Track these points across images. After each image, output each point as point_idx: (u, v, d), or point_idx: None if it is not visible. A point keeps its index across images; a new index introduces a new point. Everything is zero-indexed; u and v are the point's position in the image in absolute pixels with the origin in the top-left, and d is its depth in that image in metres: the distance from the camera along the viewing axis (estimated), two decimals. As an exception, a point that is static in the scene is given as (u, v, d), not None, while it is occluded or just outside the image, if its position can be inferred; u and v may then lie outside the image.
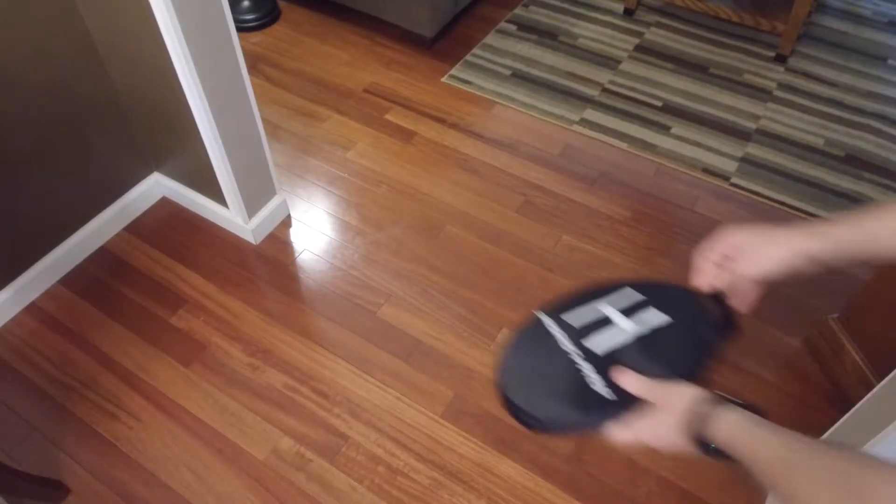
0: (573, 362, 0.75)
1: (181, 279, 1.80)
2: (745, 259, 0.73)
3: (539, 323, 0.80)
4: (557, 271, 1.82)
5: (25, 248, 1.70)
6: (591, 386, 0.72)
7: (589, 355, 0.75)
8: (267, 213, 1.88)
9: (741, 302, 0.78)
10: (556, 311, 0.81)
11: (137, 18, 1.37)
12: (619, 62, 2.45)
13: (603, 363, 0.73)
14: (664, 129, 2.21)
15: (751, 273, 0.73)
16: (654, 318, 0.77)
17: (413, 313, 1.73)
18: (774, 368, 1.63)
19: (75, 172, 1.71)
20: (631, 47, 2.52)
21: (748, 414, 0.63)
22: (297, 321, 1.72)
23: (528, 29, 2.60)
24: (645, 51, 2.51)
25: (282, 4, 2.71)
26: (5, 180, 1.55)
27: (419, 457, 1.48)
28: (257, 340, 1.67)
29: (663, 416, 0.67)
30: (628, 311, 0.78)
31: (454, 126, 2.23)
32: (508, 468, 1.46)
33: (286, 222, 1.96)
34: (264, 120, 1.73)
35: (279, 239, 1.91)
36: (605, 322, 0.77)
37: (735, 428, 0.62)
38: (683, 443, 0.66)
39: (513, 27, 2.60)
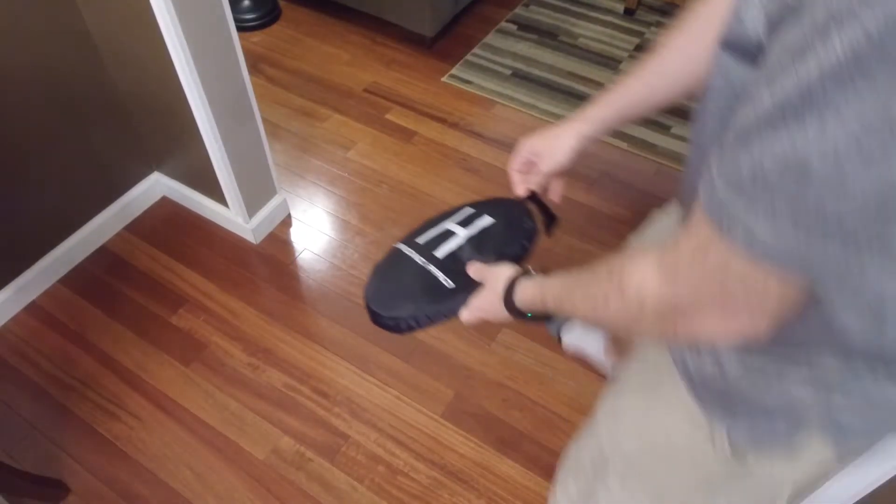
0: (421, 267, 0.90)
1: (181, 279, 1.80)
2: (542, 159, 0.89)
3: (397, 251, 0.95)
4: (558, 271, 1.81)
5: (26, 248, 1.70)
6: (439, 281, 0.88)
7: (434, 260, 0.90)
8: (267, 212, 1.88)
9: (554, 194, 0.95)
10: (409, 238, 0.96)
11: (138, 18, 1.37)
12: (619, 62, 2.45)
13: (445, 263, 0.89)
14: (664, 128, 2.21)
15: (551, 169, 0.89)
16: (483, 221, 0.95)
17: (413, 313, 1.73)
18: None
19: (75, 172, 1.71)
20: (631, 47, 2.52)
21: (541, 276, 0.76)
22: (298, 321, 1.72)
23: (529, 29, 2.60)
24: (645, 51, 2.51)
25: (282, 4, 2.71)
26: (5, 180, 1.55)
27: (419, 456, 1.48)
28: (257, 340, 1.67)
29: (489, 293, 0.81)
30: (464, 223, 0.95)
31: (454, 126, 2.23)
32: (508, 468, 1.46)
33: (286, 222, 1.96)
34: (264, 119, 1.73)
35: (279, 238, 1.91)
36: (447, 234, 0.94)
37: (531, 288, 0.75)
38: (502, 311, 0.79)
39: (513, 27, 2.60)
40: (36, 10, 1.42)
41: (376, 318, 0.93)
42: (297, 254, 1.88)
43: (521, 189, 0.94)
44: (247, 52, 1.55)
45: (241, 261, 1.85)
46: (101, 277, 1.80)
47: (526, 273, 0.79)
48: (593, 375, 1.61)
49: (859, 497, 1.12)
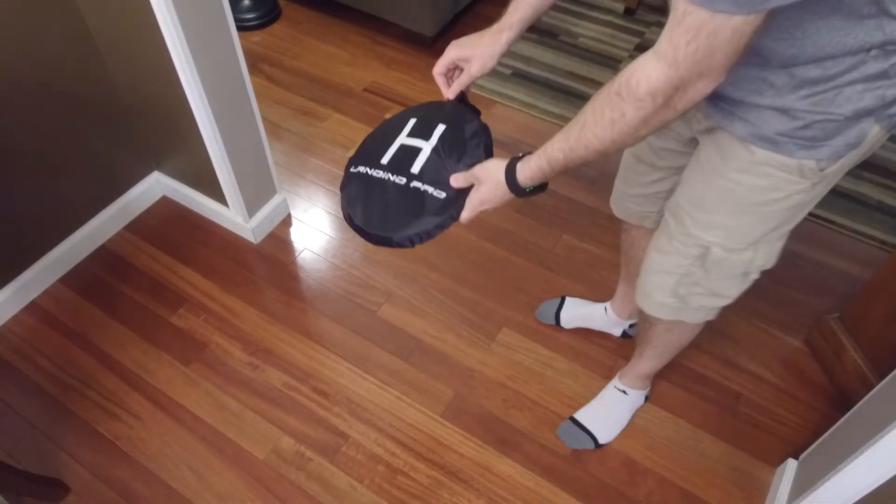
0: (405, 186, 0.97)
1: (181, 278, 1.80)
2: (471, 64, 1.01)
3: (364, 175, 1.01)
4: (558, 271, 1.82)
5: (26, 247, 1.70)
6: (430, 194, 0.96)
7: (414, 177, 0.97)
8: (267, 212, 1.88)
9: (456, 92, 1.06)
10: (368, 159, 1.03)
11: (138, 18, 1.37)
12: (619, 62, 2.45)
13: (426, 177, 0.97)
14: (665, 128, 2.21)
15: (479, 72, 1.02)
16: (438, 130, 1.01)
17: (413, 313, 1.73)
18: (775, 369, 1.63)
19: (75, 171, 1.71)
20: (632, 47, 2.52)
21: (534, 154, 0.88)
22: (298, 320, 1.72)
23: (529, 28, 2.59)
24: (646, 50, 2.51)
25: (282, 3, 2.71)
26: (5, 179, 1.55)
27: (419, 456, 1.48)
28: (257, 339, 1.67)
29: (489, 185, 0.92)
30: (420, 134, 1.02)
31: (455, 125, 2.22)
32: (508, 467, 1.46)
33: (286, 221, 1.96)
34: (264, 119, 1.72)
35: (279, 238, 1.91)
36: (413, 151, 1.00)
37: (533, 161, 0.88)
38: (506, 194, 0.91)
39: (513, 26, 2.59)
40: (36, 9, 1.42)
41: (381, 241, 0.99)
42: (297, 253, 1.88)
43: (449, 93, 1.05)
44: (247, 52, 1.55)
45: (241, 260, 1.85)
46: (102, 277, 1.80)
47: (517, 158, 0.91)
48: (593, 375, 1.61)
49: (859, 497, 1.12)
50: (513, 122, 2.22)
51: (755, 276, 1.04)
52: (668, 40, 0.69)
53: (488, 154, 0.99)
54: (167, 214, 1.96)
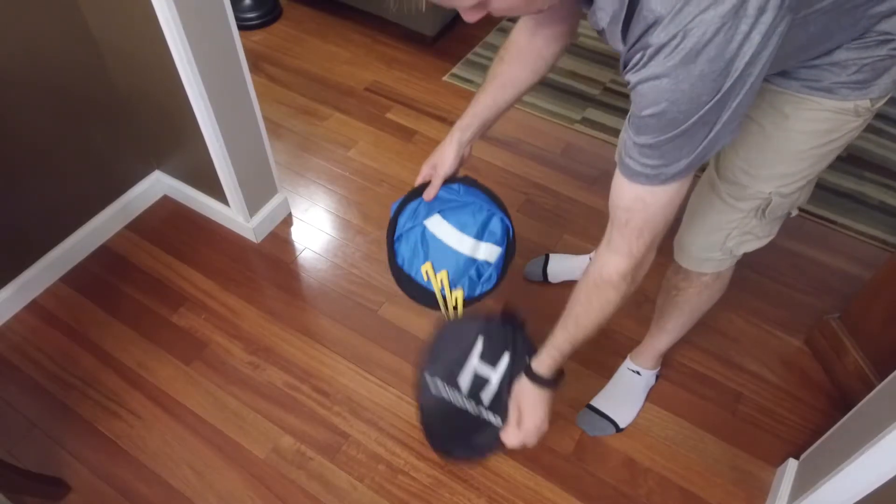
0: (476, 416, 1.17)
1: (182, 277, 1.80)
2: (437, 169, 1.23)
3: (437, 390, 1.19)
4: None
5: (27, 246, 1.70)
6: (492, 424, 1.15)
7: (483, 405, 1.17)
8: (268, 211, 1.88)
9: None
10: (447, 375, 1.19)
11: (139, 17, 1.37)
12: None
13: (493, 407, 1.16)
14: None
15: (446, 173, 1.22)
16: (504, 360, 1.18)
17: (414, 312, 1.73)
18: (776, 368, 1.63)
19: (76, 170, 1.71)
20: (632, 46, 2.52)
21: (544, 349, 1.08)
22: (298, 319, 1.72)
23: (530, 28, 2.59)
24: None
25: (283, 3, 2.71)
26: (7, 178, 1.55)
27: (420, 455, 1.48)
28: (258, 339, 1.67)
29: (535, 408, 1.10)
30: (488, 360, 1.19)
31: (455, 125, 2.22)
32: (509, 467, 1.46)
33: (287, 221, 1.96)
34: (265, 118, 1.72)
35: (280, 237, 1.91)
36: (482, 381, 1.18)
37: (545, 358, 1.08)
38: (546, 396, 1.10)
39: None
40: (37, 9, 1.42)
41: (449, 455, 1.29)
42: (297, 253, 1.88)
43: (427, 192, 1.27)
44: (248, 51, 1.55)
45: (241, 260, 1.85)
46: (102, 276, 1.80)
47: (528, 367, 1.10)
48: (594, 374, 1.61)
49: (860, 497, 1.12)
50: (514, 122, 2.22)
51: (794, 213, 1.13)
52: (618, 236, 0.88)
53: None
54: (168, 214, 1.96)
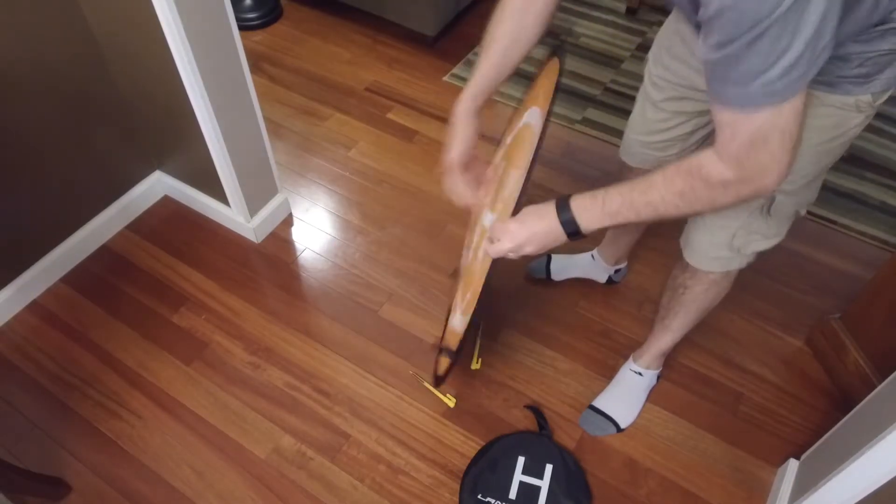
0: None
1: (183, 277, 1.80)
2: (462, 151, 1.19)
3: None
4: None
5: (27, 247, 1.70)
6: None
7: None
8: (269, 211, 1.88)
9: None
10: (497, 492, 1.39)
11: (140, 17, 1.37)
12: (621, 61, 2.45)
13: None
14: (666, 128, 2.21)
15: (469, 148, 1.19)
16: (547, 470, 1.43)
17: (414, 312, 1.73)
18: (777, 369, 1.63)
19: (77, 171, 1.71)
20: (633, 46, 2.52)
21: (589, 194, 1.00)
22: (299, 320, 1.72)
23: (531, 28, 2.59)
24: (647, 50, 2.50)
25: (284, 3, 2.71)
26: (7, 178, 1.55)
27: (420, 455, 1.48)
28: (259, 339, 1.67)
29: (535, 222, 1.02)
30: (532, 473, 1.43)
31: (456, 125, 2.22)
32: (509, 467, 1.46)
33: (288, 221, 1.96)
34: (266, 118, 1.72)
35: (281, 237, 1.91)
36: (529, 487, 1.40)
37: (587, 202, 0.99)
38: (557, 234, 1.00)
39: (515, 26, 2.59)
40: (38, 9, 1.42)
41: None
42: (298, 253, 1.88)
43: (469, 197, 1.19)
44: (248, 51, 1.55)
45: (242, 260, 1.85)
46: (103, 276, 1.80)
47: (565, 197, 1.00)
48: (595, 375, 1.61)
49: (861, 497, 1.12)
50: (514, 122, 2.22)
51: (803, 212, 1.12)
52: (725, 146, 0.79)
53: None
54: (169, 214, 1.96)
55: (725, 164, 0.80)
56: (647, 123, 1.30)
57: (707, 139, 1.31)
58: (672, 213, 0.89)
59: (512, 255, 1.03)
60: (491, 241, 1.05)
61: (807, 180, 1.04)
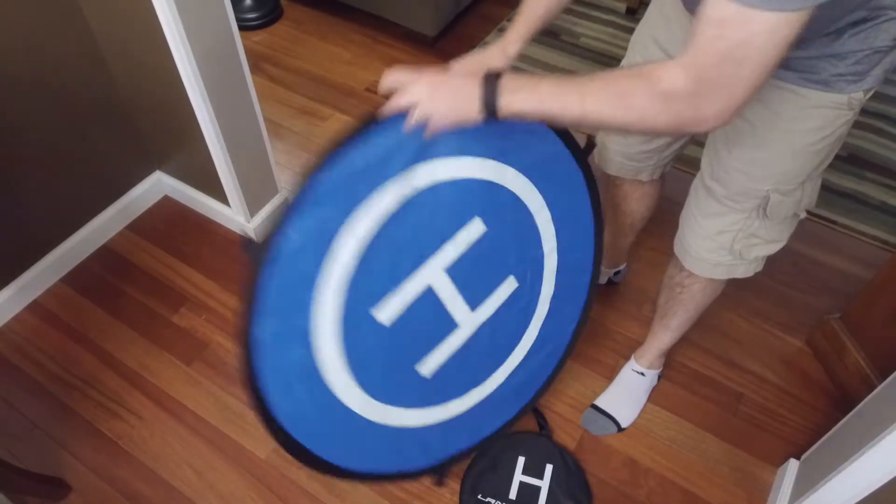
0: None
1: (183, 277, 1.80)
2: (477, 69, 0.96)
3: None
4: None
5: (28, 247, 1.70)
6: None
7: None
8: (269, 211, 1.88)
9: None
10: (497, 493, 1.38)
11: (140, 18, 1.37)
12: (620, 61, 2.45)
13: None
14: (666, 128, 2.21)
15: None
16: (548, 470, 1.42)
17: (415, 312, 1.73)
18: (777, 369, 1.63)
19: (77, 171, 1.71)
20: (633, 46, 2.52)
21: (516, 82, 0.84)
22: (299, 320, 1.71)
23: (531, 28, 2.59)
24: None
25: (284, 3, 2.71)
26: (7, 178, 1.55)
27: (420, 456, 1.48)
28: (259, 339, 1.67)
29: (456, 91, 0.92)
30: (534, 473, 1.42)
31: (456, 125, 2.22)
32: (510, 467, 1.46)
33: (288, 221, 1.95)
34: (266, 118, 1.72)
35: (281, 238, 1.91)
36: (529, 486, 1.40)
37: (517, 83, 0.84)
38: (472, 108, 0.86)
39: (515, 26, 2.59)
40: (38, 9, 1.42)
41: None
42: (298, 253, 1.87)
43: None
44: (248, 52, 1.55)
45: (242, 260, 1.85)
46: (103, 276, 1.80)
47: (493, 74, 0.85)
48: (595, 375, 1.61)
49: (861, 497, 1.12)
50: (514, 122, 2.22)
51: (803, 215, 1.11)
52: (693, 52, 0.70)
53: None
54: (169, 214, 1.96)
55: (684, 71, 0.71)
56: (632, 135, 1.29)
57: (678, 153, 1.32)
58: (597, 115, 0.79)
59: (415, 117, 0.90)
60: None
61: (800, 180, 1.03)
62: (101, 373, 1.61)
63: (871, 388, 1.25)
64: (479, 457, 1.44)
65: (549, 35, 2.56)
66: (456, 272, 0.99)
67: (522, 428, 1.51)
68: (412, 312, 0.97)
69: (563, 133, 1.06)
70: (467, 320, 1.05)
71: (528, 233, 1.08)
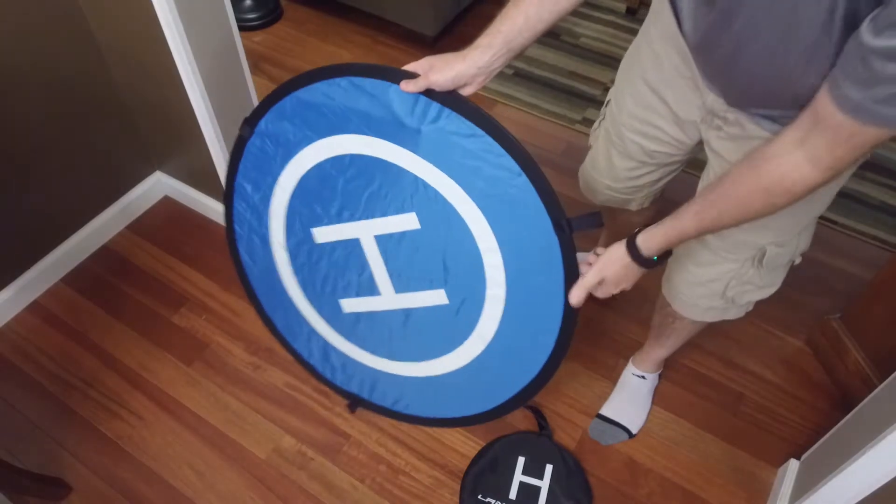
0: None
1: (183, 278, 1.80)
2: (437, 68, 1.02)
3: None
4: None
5: (28, 247, 1.70)
6: None
7: None
8: (269, 211, 1.88)
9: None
10: (496, 492, 1.39)
11: (140, 18, 1.37)
12: (620, 62, 2.45)
13: None
14: (666, 128, 2.21)
15: (441, 83, 1.01)
16: (547, 470, 1.43)
17: (415, 312, 1.73)
18: (777, 369, 1.63)
19: (77, 171, 1.71)
20: (633, 47, 2.52)
21: (660, 226, 0.90)
22: (299, 320, 1.72)
23: (531, 28, 2.59)
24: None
25: (284, 3, 2.71)
26: (8, 179, 1.55)
27: (421, 456, 1.48)
28: (259, 339, 1.67)
29: (609, 264, 0.97)
30: (532, 473, 1.43)
31: (456, 125, 2.22)
32: (510, 467, 1.46)
33: (288, 221, 1.95)
34: (266, 119, 1.72)
35: (281, 238, 1.91)
36: (529, 487, 1.41)
37: (658, 233, 0.90)
38: (635, 271, 0.95)
39: (515, 26, 2.59)
40: (38, 9, 1.43)
41: None
42: (298, 253, 1.88)
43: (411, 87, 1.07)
44: (249, 52, 1.55)
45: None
46: (103, 277, 1.80)
47: (634, 235, 0.94)
48: (595, 375, 1.61)
49: (861, 497, 1.12)
50: (515, 123, 2.22)
51: (798, 261, 1.10)
52: (829, 153, 0.70)
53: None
54: (169, 214, 1.96)
55: (817, 168, 0.71)
56: (613, 170, 1.25)
57: (669, 178, 1.26)
58: (717, 228, 0.85)
59: (600, 293, 0.99)
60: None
61: (797, 231, 1.02)
62: (101, 373, 1.61)
63: (872, 388, 1.25)
64: (480, 457, 1.44)
65: (549, 35, 2.56)
66: (385, 247, 1.06)
67: (522, 428, 1.51)
68: (341, 250, 1.11)
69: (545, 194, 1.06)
70: (389, 295, 1.11)
71: (471, 264, 1.02)
